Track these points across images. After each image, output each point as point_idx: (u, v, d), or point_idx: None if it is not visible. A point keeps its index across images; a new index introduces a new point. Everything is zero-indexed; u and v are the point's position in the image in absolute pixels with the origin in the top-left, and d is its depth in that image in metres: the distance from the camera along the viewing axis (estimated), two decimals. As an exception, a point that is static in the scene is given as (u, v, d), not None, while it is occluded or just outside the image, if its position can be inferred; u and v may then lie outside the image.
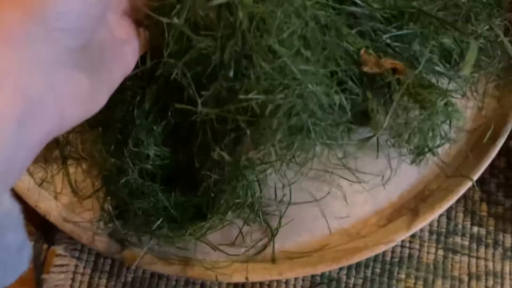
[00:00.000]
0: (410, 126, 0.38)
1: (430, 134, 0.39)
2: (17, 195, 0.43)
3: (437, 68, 0.39)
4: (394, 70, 0.37)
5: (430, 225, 0.47)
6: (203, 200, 0.40)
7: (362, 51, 0.37)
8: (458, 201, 0.44)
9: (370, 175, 0.45)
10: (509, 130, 0.46)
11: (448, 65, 0.43)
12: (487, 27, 0.45)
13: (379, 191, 0.45)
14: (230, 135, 0.34)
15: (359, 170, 0.44)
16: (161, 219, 0.40)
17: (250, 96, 0.31)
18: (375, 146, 0.44)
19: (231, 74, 0.31)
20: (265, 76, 0.31)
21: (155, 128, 0.39)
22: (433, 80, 0.41)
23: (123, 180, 0.39)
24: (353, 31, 0.36)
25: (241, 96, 0.31)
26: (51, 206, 0.44)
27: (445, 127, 0.42)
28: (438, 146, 0.41)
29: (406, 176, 0.46)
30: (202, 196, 0.39)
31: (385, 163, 0.45)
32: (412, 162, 0.44)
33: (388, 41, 0.38)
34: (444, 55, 0.41)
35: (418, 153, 0.41)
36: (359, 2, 0.37)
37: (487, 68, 0.47)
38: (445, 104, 0.37)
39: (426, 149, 0.40)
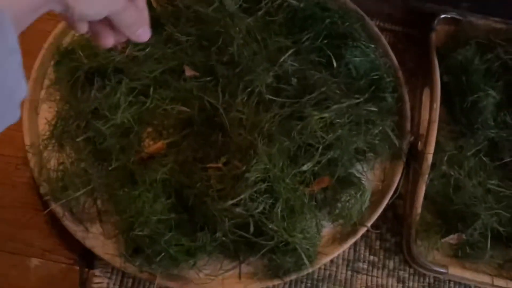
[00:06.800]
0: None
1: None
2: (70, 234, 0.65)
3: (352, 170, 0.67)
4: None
5: (342, 254, 0.72)
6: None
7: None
8: (360, 238, 0.69)
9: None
10: (391, 192, 0.71)
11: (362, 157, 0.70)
12: (380, 128, 0.71)
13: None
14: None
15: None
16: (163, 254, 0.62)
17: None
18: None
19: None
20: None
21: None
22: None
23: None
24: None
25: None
26: (96, 243, 0.66)
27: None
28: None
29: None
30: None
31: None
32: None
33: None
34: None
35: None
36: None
37: (382, 154, 0.73)
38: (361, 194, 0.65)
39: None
